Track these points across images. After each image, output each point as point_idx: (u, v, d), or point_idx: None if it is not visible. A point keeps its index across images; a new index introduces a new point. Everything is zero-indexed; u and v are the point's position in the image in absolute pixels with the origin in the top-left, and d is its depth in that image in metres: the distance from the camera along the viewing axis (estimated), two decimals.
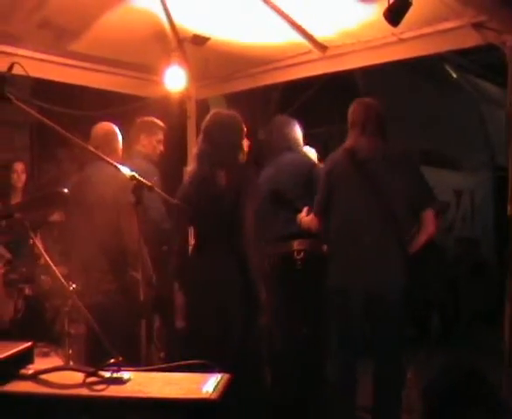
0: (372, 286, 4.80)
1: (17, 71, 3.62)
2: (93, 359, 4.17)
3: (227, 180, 4.76)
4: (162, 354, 6.09)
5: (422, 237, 4.88)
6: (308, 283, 5.42)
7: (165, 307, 5.63)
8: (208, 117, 5.07)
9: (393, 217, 4.81)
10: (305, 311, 5.47)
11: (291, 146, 5.91)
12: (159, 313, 5.88)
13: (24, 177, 7.06)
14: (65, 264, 4.74)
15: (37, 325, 5.06)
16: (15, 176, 6.98)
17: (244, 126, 4.98)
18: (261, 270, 5.00)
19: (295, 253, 5.58)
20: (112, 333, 3.45)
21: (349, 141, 5.10)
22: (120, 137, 5.46)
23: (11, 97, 3.50)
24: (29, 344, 2.83)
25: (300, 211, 5.36)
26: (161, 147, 6.52)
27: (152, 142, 6.47)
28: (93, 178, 5.12)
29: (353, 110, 5.12)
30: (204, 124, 5.06)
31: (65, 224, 5.35)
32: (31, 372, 2.64)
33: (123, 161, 5.24)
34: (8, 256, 4.98)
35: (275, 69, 6.86)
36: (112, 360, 2.61)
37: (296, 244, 5.59)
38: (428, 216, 4.87)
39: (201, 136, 5.02)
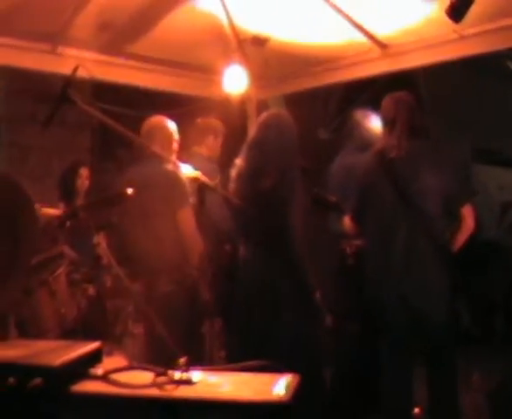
0: (407, 292, 4.72)
1: (79, 73, 3.66)
2: (154, 358, 4.20)
3: (275, 178, 4.73)
4: (222, 353, 6.08)
5: (463, 234, 4.77)
6: (360, 278, 5.35)
7: (226, 307, 5.63)
8: (262, 116, 5.06)
9: (425, 218, 4.72)
10: (355, 307, 5.42)
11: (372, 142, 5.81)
12: (220, 313, 5.88)
13: (87, 183, 7.15)
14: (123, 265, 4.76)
15: (98, 324, 5.10)
16: (79, 182, 7.07)
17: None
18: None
19: (348, 248, 5.53)
20: (173, 333, 3.47)
21: (380, 142, 5.04)
22: (172, 131, 5.42)
23: (76, 99, 3.53)
24: (98, 344, 2.84)
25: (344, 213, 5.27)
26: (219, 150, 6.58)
27: (217, 144, 6.50)
28: (143, 177, 5.12)
29: (383, 106, 5.04)
30: (258, 122, 5.04)
31: (118, 225, 5.37)
32: (100, 371, 2.64)
33: (184, 161, 5.27)
34: (72, 255, 5.03)
35: (336, 68, 6.82)
36: (181, 360, 2.60)
37: (350, 240, 5.53)
38: (467, 211, 4.76)
39: (254, 133, 5.01)
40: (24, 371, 2.53)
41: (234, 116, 7.06)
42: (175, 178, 5.00)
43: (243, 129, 7.50)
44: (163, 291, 4.86)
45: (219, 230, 5.82)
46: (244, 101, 7.47)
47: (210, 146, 6.50)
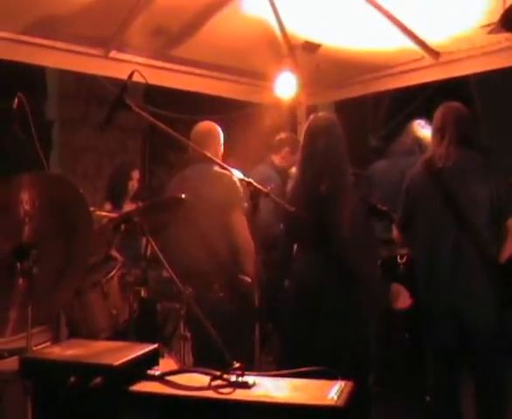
0: (454, 302, 4.72)
1: (133, 77, 3.75)
2: (201, 361, 4.27)
3: (328, 188, 4.78)
4: (269, 359, 6.12)
5: (509, 247, 4.75)
6: (410, 288, 5.36)
7: (274, 311, 5.68)
8: (310, 121, 5.10)
9: (472, 228, 4.71)
10: (406, 316, 5.43)
11: (414, 150, 5.83)
12: (269, 318, 5.93)
13: (136, 186, 7.18)
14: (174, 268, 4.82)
15: (149, 327, 5.17)
16: (130, 184, 7.10)
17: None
18: (370, 276, 5.01)
19: (398, 257, 5.53)
20: (223, 337, 3.53)
21: (428, 151, 5.04)
22: (220, 137, 5.48)
23: (131, 104, 3.62)
24: (155, 346, 2.93)
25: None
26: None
27: (291, 159, 6.58)
28: (196, 179, 5.20)
29: (434, 116, 5.03)
30: (307, 128, 5.09)
31: (171, 229, 5.43)
32: (158, 373, 2.72)
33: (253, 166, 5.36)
34: (121, 258, 5.10)
35: (387, 76, 6.87)
36: (237, 365, 2.67)
37: (400, 249, 5.54)
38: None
39: (304, 141, 5.05)
40: (85, 370, 2.63)
41: (284, 121, 7.12)
42: (229, 181, 5.07)
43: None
44: (215, 298, 4.93)
45: (267, 236, 5.89)
46: (294, 107, 7.52)
47: (284, 156, 6.64)
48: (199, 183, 5.14)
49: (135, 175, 7.15)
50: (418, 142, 5.91)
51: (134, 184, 7.13)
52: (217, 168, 5.09)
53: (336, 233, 4.72)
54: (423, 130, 5.94)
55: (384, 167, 6.07)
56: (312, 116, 5.18)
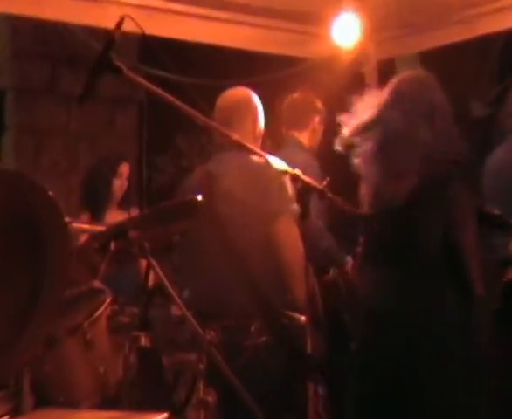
0: None
1: (124, 27, 3.77)
2: None
3: (417, 179, 4.81)
4: None
5: None
6: None
7: (334, 363, 5.71)
8: (397, 84, 5.12)
9: None
10: None
11: None
12: (325, 372, 5.96)
13: (125, 185, 7.18)
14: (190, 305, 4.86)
15: (152, 389, 5.22)
16: (117, 184, 7.14)
17: None
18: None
19: None
20: (263, 401, 3.57)
21: None
22: (259, 111, 5.42)
23: (122, 65, 3.64)
24: (163, 416, 2.98)
25: None
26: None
27: (321, 131, 6.60)
28: (225, 175, 5.15)
29: None
30: (392, 86, 5.08)
31: (184, 244, 5.43)
32: None
33: (273, 150, 5.31)
34: (111, 291, 5.15)
35: (498, 10, 6.80)
36: None
37: None
38: None
39: (386, 102, 5.07)
40: None
41: (346, 83, 7.13)
42: (274, 177, 4.95)
43: None
44: (254, 345, 4.96)
45: (319, 249, 5.91)
46: (359, 62, 7.53)
47: (315, 131, 6.61)
48: (231, 181, 5.09)
49: (125, 170, 7.11)
50: None
51: (123, 184, 7.06)
52: (255, 158, 5.03)
53: (427, 245, 4.75)
54: None
55: (500, 152, 6.08)
56: (399, 76, 5.17)
